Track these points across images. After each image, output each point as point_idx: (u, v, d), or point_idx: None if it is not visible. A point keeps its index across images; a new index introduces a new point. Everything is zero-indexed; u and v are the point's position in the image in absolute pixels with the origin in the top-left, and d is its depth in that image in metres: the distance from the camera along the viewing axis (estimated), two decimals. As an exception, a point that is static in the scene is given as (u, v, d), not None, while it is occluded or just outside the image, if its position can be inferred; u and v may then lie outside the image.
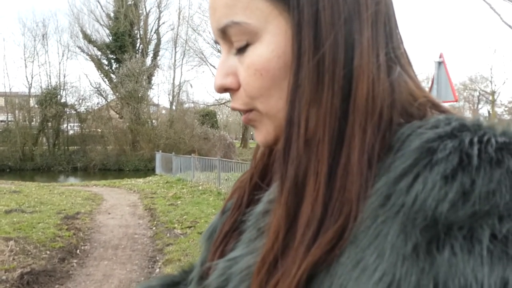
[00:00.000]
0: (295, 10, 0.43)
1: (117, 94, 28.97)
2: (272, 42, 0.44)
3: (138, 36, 31.80)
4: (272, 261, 0.42)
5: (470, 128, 0.38)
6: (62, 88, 30.80)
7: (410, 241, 0.34)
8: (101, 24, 31.47)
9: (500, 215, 0.33)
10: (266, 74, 0.45)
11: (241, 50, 0.46)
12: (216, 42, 0.51)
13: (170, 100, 31.32)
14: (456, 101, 6.38)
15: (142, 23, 31.87)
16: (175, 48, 31.91)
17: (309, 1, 0.43)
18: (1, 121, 32.11)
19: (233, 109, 0.50)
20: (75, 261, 5.35)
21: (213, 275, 0.49)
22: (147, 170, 23.91)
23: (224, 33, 0.47)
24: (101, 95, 31.17)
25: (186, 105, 30.84)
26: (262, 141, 0.49)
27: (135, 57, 28.41)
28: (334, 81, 0.42)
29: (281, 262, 0.41)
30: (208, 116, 29.81)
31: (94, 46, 31.09)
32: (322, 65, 0.42)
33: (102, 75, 31.17)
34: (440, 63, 6.01)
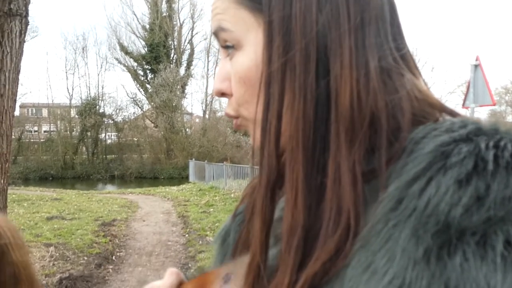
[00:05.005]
0: (267, 22, 0.44)
1: (152, 103, 29.76)
2: (252, 52, 0.46)
3: (172, 46, 32.54)
4: (256, 270, 0.43)
5: (487, 132, 0.37)
6: (100, 98, 32.01)
7: (421, 245, 0.34)
8: (137, 36, 32.51)
9: None
10: (248, 82, 0.46)
11: (231, 58, 0.48)
12: None
13: (203, 108, 31.82)
14: (494, 104, 6.16)
15: (176, 34, 32.62)
16: (208, 57, 32.38)
17: (280, 14, 0.43)
18: (45, 131, 33.59)
19: (226, 115, 0.51)
20: (111, 267, 5.49)
21: None
22: (181, 178, 24.34)
23: (217, 37, 0.49)
24: (137, 105, 32.15)
25: (219, 114, 31.14)
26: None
27: (169, 67, 29.07)
28: (306, 90, 0.42)
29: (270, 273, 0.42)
30: (240, 124, 29.92)
31: (131, 57, 32.09)
32: (292, 75, 0.43)
33: (138, 85, 32.09)
34: (476, 66, 5.84)
